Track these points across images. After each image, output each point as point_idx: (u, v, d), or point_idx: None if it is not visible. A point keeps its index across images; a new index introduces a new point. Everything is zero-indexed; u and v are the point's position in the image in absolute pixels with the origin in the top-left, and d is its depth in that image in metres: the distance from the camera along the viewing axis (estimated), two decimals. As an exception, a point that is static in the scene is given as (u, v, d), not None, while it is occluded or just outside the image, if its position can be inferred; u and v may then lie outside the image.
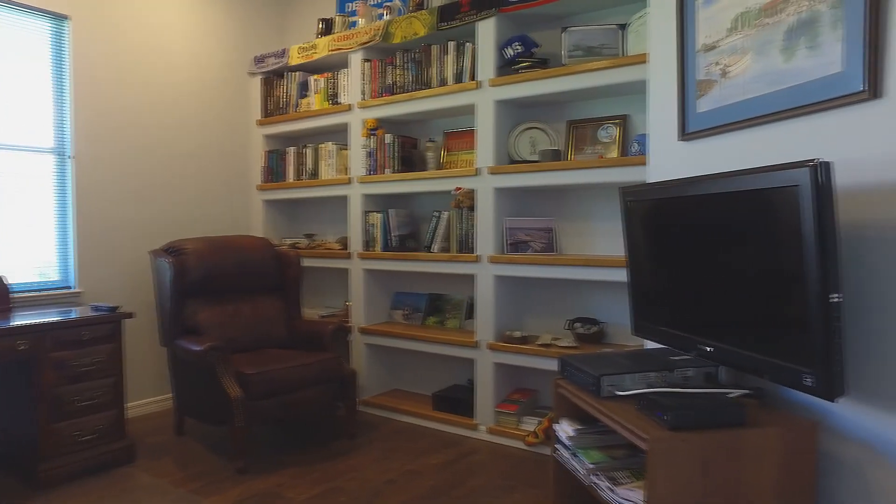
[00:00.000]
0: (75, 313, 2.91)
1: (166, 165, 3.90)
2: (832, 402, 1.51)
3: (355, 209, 3.81)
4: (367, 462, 2.95)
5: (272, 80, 4.33)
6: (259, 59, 4.32)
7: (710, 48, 2.11)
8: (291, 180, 4.23)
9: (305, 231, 4.47)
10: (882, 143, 1.57)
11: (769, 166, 1.60)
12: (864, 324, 1.62)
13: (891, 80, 1.54)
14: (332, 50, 3.90)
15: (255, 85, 4.37)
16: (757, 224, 1.67)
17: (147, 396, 3.79)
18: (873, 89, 1.56)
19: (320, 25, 4.10)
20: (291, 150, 4.24)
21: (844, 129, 1.66)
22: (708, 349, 1.90)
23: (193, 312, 3.26)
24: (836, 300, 1.46)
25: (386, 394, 3.87)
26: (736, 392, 1.82)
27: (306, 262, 4.01)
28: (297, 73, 4.19)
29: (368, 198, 3.80)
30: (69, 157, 3.43)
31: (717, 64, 2.08)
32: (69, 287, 3.43)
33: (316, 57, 4.00)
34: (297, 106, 4.19)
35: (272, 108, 4.33)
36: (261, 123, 4.35)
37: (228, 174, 4.28)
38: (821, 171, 1.44)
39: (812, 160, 1.45)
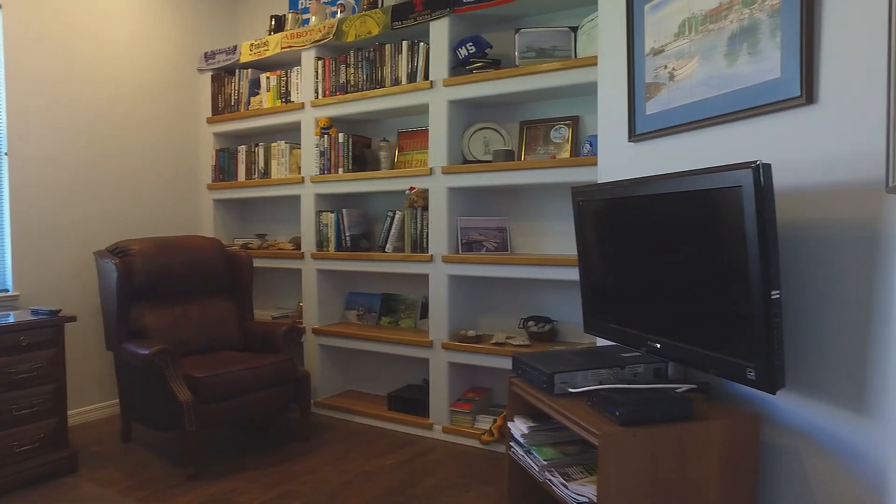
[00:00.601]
0: (12, 318, 2.79)
1: (111, 163, 3.78)
2: (773, 394, 1.57)
3: (308, 209, 3.77)
4: (322, 464, 2.92)
5: (222, 77, 4.24)
6: (209, 56, 4.23)
7: (658, 52, 2.17)
8: (242, 179, 4.15)
9: (257, 231, 4.40)
10: (816, 146, 1.64)
11: (713, 167, 1.65)
12: (802, 319, 1.69)
13: (824, 86, 1.61)
14: (285, 47, 3.85)
15: (205, 82, 4.27)
16: (702, 223, 1.72)
17: (91, 403, 3.66)
18: (808, 95, 1.63)
19: (272, 22, 4.04)
20: (242, 148, 4.16)
21: (783, 132, 1.73)
22: (657, 346, 1.95)
23: (140, 315, 3.17)
24: (776, 297, 1.52)
25: (340, 395, 3.84)
26: (684, 387, 1.87)
27: (258, 263, 3.94)
28: (249, 71, 4.12)
29: (321, 197, 3.76)
30: (3, 153, 3.29)
31: (664, 67, 2.14)
32: (6, 290, 3.29)
33: (267, 54, 3.94)
34: (248, 104, 4.12)
35: (222, 106, 4.24)
36: (211, 121, 4.25)
37: (177, 173, 4.18)
38: (761, 173, 1.50)
39: (753, 162, 1.50)
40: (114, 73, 3.78)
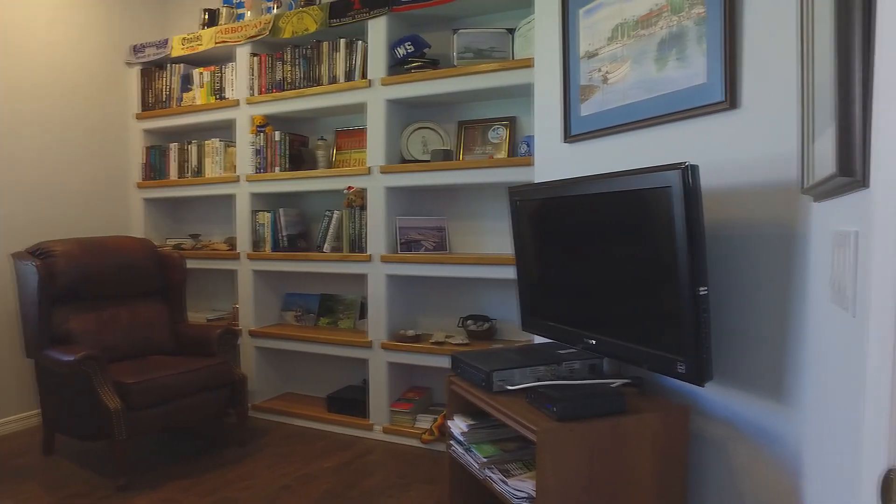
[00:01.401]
0: (-78, 324, 2.61)
1: (28, 161, 3.58)
2: (702, 386, 1.63)
3: (243, 208, 3.68)
4: (260, 469, 2.86)
5: (152, 71, 4.09)
6: (137, 49, 4.07)
7: (592, 55, 2.22)
8: (174, 178, 4.02)
9: (190, 231, 4.26)
10: (740, 149, 1.72)
11: (644, 168, 1.71)
12: (728, 314, 1.76)
13: (746, 92, 1.69)
14: (218, 42, 3.75)
15: (133, 76, 4.11)
16: (634, 223, 1.78)
17: (9, 414, 3.47)
18: (731, 100, 1.70)
19: (204, 16, 3.92)
20: (174, 146, 4.03)
21: (709, 135, 1.80)
22: (592, 342, 2.00)
23: (64, 320, 3.02)
24: (703, 293, 1.58)
25: (278, 398, 3.77)
26: (618, 382, 1.93)
27: (191, 264, 3.82)
28: (180, 66, 3.98)
29: (257, 197, 3.68)
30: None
31: (598, 70, 2.19)
32: (-86, 295, 3.08)
33: (200, 49, 3.82)
34: (179, 100, 3.98)
35: (152, 102, 4.09)
36: (140, 117, 4.10)
37: (103, 171, 4.00)
38: (689, 174, 1.56)
39: (682, 163, 1.56)
40: (31, 63, 3.59)
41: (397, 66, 3.22)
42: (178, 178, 4.01)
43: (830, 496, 1.15)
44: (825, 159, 0.97)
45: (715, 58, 1.73)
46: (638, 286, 1.79)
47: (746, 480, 1.71)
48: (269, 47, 3.71)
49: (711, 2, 1.73)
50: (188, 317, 3.67)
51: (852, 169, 0.85)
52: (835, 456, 1.10)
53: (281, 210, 3.61)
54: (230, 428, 3.40)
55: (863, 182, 0.84)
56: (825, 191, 1.09)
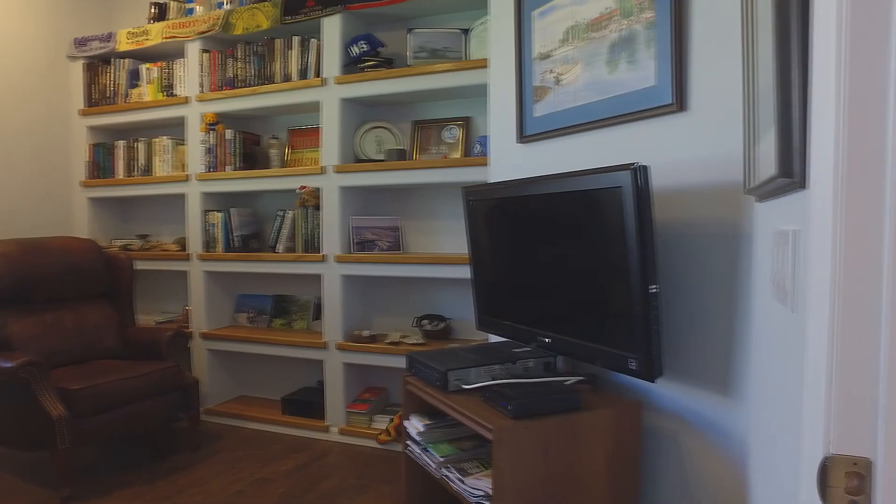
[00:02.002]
0: None
1: (-34, 159, 3.43)
2: (653, 382, 1.67)
3: (194, 208, 3.60)
4: (213, 474, 2.80)
5: (97, 66, 3.95)
6: (80, 42, 3.93)
7: (545, 57, 2.25)
8: (122, 176, 3.90)
9: (139, 231, 4.15)
10: (688, 150, 1.76)
11: (596, 169, 1.74)
12: (678, 311, 1.81)
13: (693, 95, 1.73)
14: (167, 37, 3.65)
15: (77, 70, 3.97)
16: (586, 222, 1.81)
17: (-54, 422, 3.31)
18: (680, 102, 1.74)
19: (153, 10, 3.81)
20: (121, 143, 3.91)
21: (660, 136, 1.85)
22: (546, 340, 2.03)
23: (3, 325, 2.90)
24: (654, 291, 1.62)
25: (232, 401, 3.70)
26: (572, 379, 1.96)
27: (140, 265, 3.72)
28: (127, 61, 3.87)
29: (208, 196, 3.60)
30: None
31: (551, 72, 2.22)
32: None
33: (148, 44, 3.72)
34: (126, 96, 3.87)
35: (97, 98, 3.96)
36: (84, 113, 3.96)
37: (45, 169, 3.85)
38: (639, 174, 1.59)
39: (632, 164, 1.60)
40: (-32, 58, 3.44)
41: (352, 65, 3.19)
42: (126, 176, 3.89)
43: (774, 485, 1.19)
44: (767, 161, 1.01)
45: (664, 61, 1.77)
46: (590, 285, 1.82)
47: (696, 472, 1.76)
48: (221, 44, 3.64)
49: (660, 7, 1.77)
50: (137, 320, 3.57)
51: (792, 170, 0.88)
52: (778, 446, 1.14)
53: (233, 210, 3.54)
54: (182, 433, 3.32)
55: (801, 183, 0.87)
56: (767, 191, 1.13)
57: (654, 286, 1.61)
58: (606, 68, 1.97)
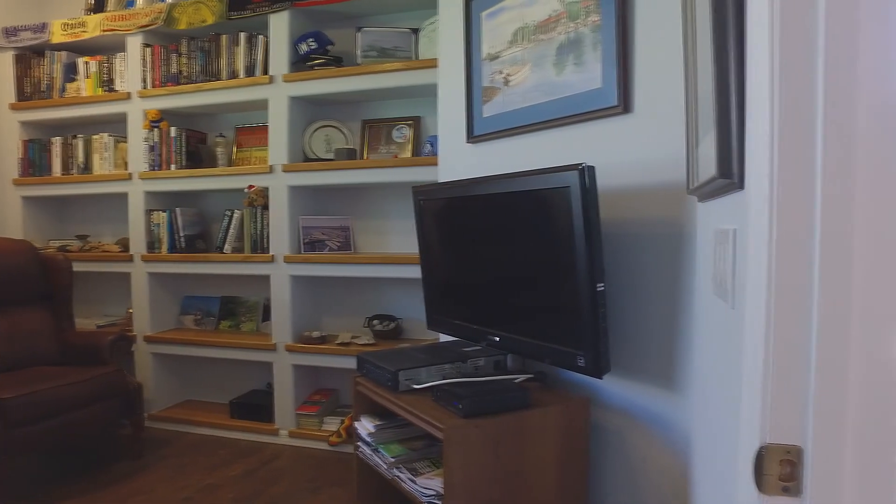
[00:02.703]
0: None
1: None
2: (600, 378, 1.71)
3: (136, 207, 3.49)
4: (159, 481, 2.72)
5: (28, 57, 3.78)
6: (10, 32, 3.75)
7: (494, 57, 2.27)
8: (58, 174, 3.74)
9: (78, 232, 3.99)
10: (634, 151, 1.81)
11: (544, 169, 1.76)
12: (624, 308, 1.85)
13: (638, 98, 1.78)
14: (106, 30, 3.52)
15: (6, 62, 3.79)
16: (535, 221, 1.83)
17: None
18: (625, 105, 1.79)
19: (90, 0, 3.68)
20: (57, 140, 3.75)
21: (606, 137, 1.89)
22: (496, 339, 2.05)
23: (-71, 330, 2.75)
24: (600, 289, 1.66)
25: (178, 406, 3.60)
26: (521, 377, 1.98)
27: (79, 267, 3.57)
28: (63, 53, 3.71)
29: (152, 195, 3.50)
30: None
31: (500, 73, 2.24)
32: None
33: (85, 36, 3.58)
34: (62, 90, 3.72)
35: (30, 91, 3.79)
36: (15, 108, 3.78)
37: (-26, 167, 3.67)
38: (586, 175, 1.62)
39: (579, 164, 1.63)
40: None
41: (300, 63, 3.15)
42: (63, 174, 3.74)
43: (715, 475, 1.23)
44: (708, 162, 1.04)
45: (609, 64, 1.81)
46: (539, 283, 1.85)
47: (642, 465, 1.80)
48: (164, 38, 3.53)
49: (606, 11, 1.81)
50: (76, 324, 3.43)
51: (730, 172, 0.92)
52: (718, 437, 1.18)
53: (178, 209, 3.45)
54: (125, 440, 3.21)
55: (739, 184, 0.91)
56: (708, 191, 1.16)
57: (601, 284, 1.65)
58: (554, 70, 2.00)
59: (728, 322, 1.05)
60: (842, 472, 0.63)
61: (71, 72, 3.73)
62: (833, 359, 0.63)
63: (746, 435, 0.75)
